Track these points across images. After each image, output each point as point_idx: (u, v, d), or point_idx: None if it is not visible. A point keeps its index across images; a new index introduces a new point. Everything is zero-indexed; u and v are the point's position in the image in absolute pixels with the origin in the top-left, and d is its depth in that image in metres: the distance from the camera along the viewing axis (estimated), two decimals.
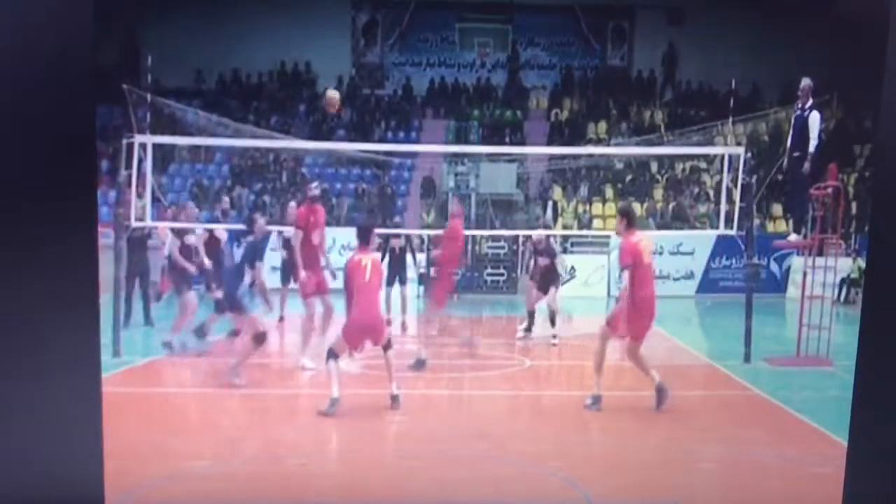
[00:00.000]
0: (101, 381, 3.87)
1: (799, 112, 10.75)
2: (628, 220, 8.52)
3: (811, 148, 10.43)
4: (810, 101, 10.56)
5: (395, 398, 8.22)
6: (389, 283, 13.45)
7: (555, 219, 22.76)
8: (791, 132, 11.08)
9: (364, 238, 8.74)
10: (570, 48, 28.01)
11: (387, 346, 8.44)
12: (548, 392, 9.96)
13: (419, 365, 10.09)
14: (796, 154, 10.72)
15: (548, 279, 12.71)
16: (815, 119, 10.45)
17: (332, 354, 8.17)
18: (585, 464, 6.45)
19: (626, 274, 8.27)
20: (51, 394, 3.67)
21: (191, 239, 11.51)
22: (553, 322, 12.52)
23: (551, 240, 13.37)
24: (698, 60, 25.84)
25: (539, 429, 7.75)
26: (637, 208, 22.73)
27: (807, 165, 10.44)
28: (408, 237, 14.37)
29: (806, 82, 10.72)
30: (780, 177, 18.08)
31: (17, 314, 3.57)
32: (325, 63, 26.68)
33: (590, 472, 6.21)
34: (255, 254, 9.44)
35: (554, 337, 12.37)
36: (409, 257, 13.97)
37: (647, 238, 8.71)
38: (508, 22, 27.55)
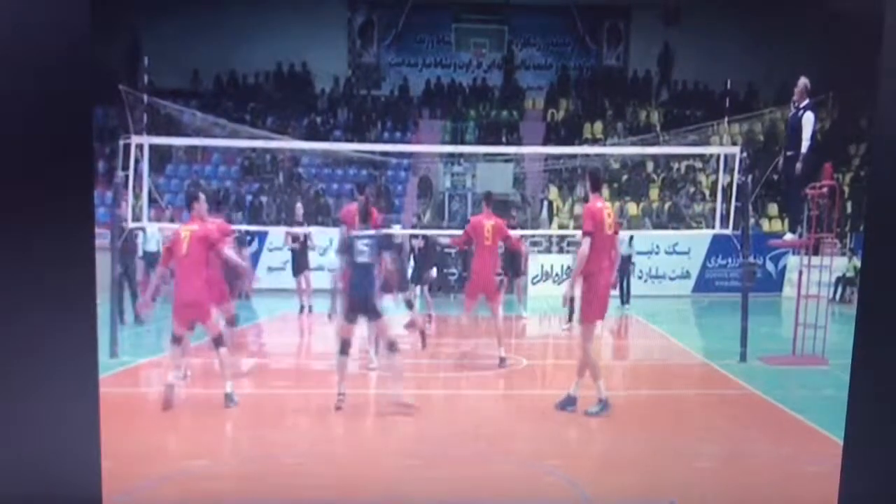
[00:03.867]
0: (99, 382, 3.87)
1: (794, 111, 10.76)
2: (592, 183, 8.08)
3: (804, 148, 10.43)
4: (806, 101, 10.55)
5: (228, 396, 8.21)
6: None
7: (550, 218, 22.81)
8: (787, 131, 11.09)
9: (189, 205, 8.58)
10: (566, 48, 28.04)
11: (218, 342, 8.28)
12: (545, 391, 9.97)
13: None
14: (790, 153, 10.74)
15: None
16: (808, 119, 10.44)
17: (174, 339, 8.24)
18: (583, 462, 6.46)
19: (585, 243, 7.62)
20: (48, 395, 3.67)
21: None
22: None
23: None
24: (694, 60, 25.89)
25: (536, 428, 7.75)
26: (633, 208, 22.79)
27: (799, 165, 10.45)
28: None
29: (802, 81, 10.71)
30: (775, 176, 18.14)
31: (14, 315, 3.57)
32: (322, 64, 26.70)
33: (587, 470, 6.22)
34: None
35: None
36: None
37: (611, 207, 8.27)
38: (504, 22, 27.56)
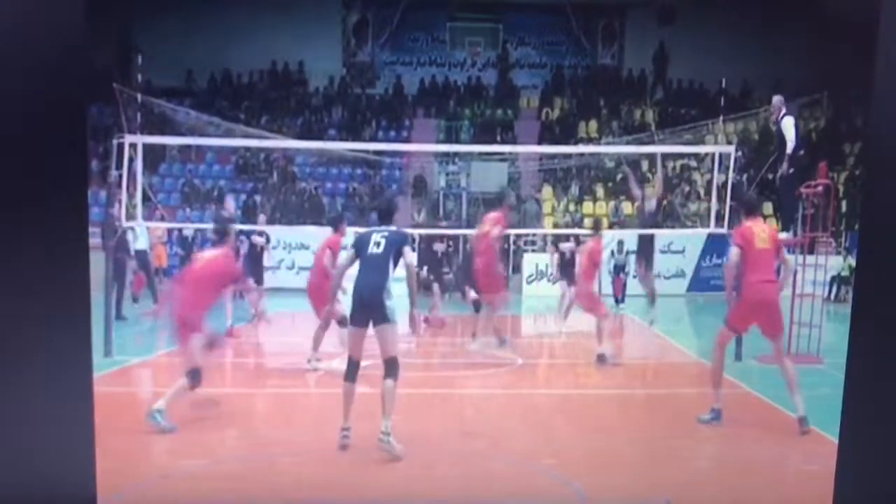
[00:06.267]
0: (93, 381, 3.85)
1: (776, 125, 10.99)
2: (747, 211, 8.06)
3: (789, 149, 10.55)
4: (783, 111, 10.73)
5: None
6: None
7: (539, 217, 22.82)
8: (776, 137, 11.25)
9: None
10: (560, 47, 28.05)
11: None
12: (540, 390, 9.97)
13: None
14: (780, 155, 10.87)
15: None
16: (788, 123, 10.65)
17: None
18: (578, 461, 6.46)
19: (732, 255, 7.64)
20: (42, 394, 3.66)
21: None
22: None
23: None
24: (689, 59, 25.93)
25: (532, 427, 7.76)
26: (627, 207, 22.79)
27: (784, 166, 10.58)
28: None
29: (776, 99, 10.93)
30: (770, 175, 18.18)
31: (8, 315, 3.56)
32: (316, 62, 26.69)
33: (582, 469, 6.21)
34: None
35: None
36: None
37: (764, 225, 8.04)
38: (499, 21, 27.57)
